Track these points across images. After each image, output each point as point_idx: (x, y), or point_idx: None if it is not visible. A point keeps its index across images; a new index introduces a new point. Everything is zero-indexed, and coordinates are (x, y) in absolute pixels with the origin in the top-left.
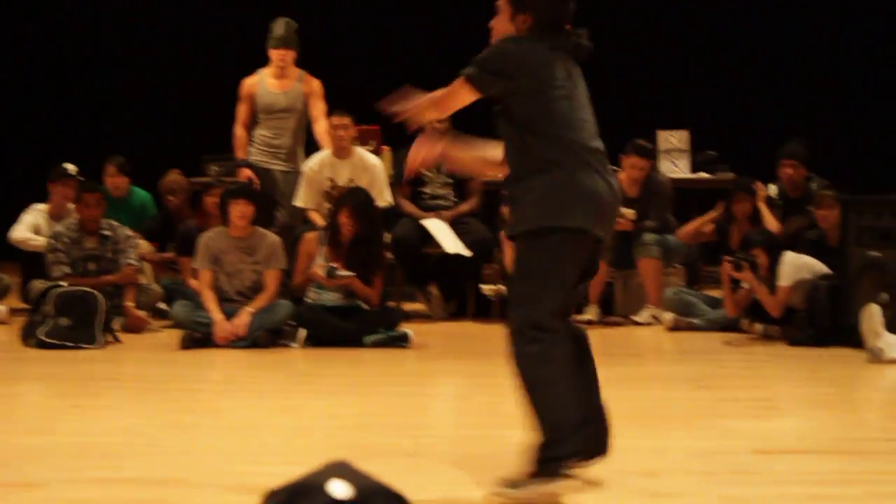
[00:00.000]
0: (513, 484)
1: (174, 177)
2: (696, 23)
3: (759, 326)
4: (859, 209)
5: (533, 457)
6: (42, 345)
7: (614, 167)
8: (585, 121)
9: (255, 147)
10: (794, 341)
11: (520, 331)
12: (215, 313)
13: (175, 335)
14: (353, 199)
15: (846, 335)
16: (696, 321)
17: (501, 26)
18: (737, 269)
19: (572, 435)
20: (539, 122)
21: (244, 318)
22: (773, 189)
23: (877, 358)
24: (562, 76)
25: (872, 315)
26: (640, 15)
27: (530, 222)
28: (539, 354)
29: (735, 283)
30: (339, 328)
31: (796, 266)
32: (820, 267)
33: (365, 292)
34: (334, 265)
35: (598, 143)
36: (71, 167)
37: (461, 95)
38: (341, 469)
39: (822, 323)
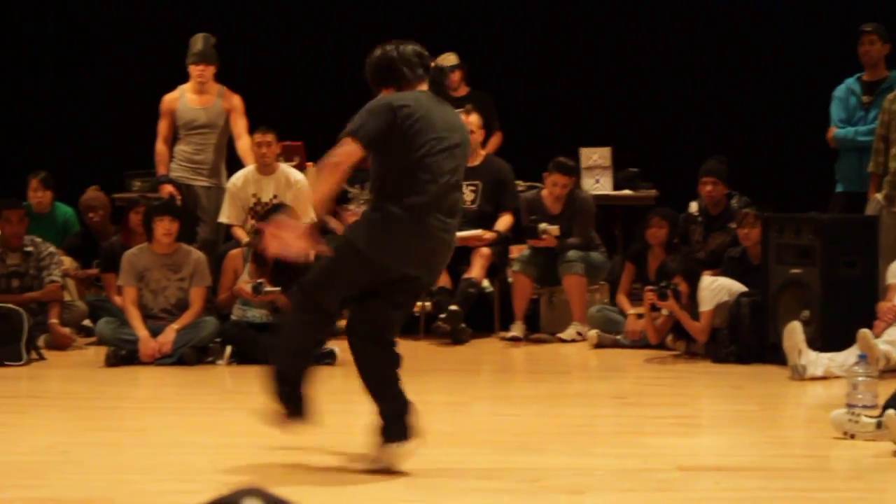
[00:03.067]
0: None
1: (93, 193)
2: (619, 40)
3: (682, 343)
4: (780, 227)
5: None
6: None
7: (536, 184)
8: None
9: (176, 163)
10: (718, 358)
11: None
12: (140, 330)
13: (100, 352)
14: (278, 215)
15: (769, 352)
16: (620, 338)
17: None
18: (661, 299)
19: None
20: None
21: (169, 335)
22: (693, 206)
23: (799, 375)
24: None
25: (794, 332)
26: (563, 33)
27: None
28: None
29: (655, 311)
30: (265, 345)
31: (714, 290)
32: (738, 286)
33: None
34: (261, 281)
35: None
36: None
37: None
38: (254, 492)
39: (745, 340)
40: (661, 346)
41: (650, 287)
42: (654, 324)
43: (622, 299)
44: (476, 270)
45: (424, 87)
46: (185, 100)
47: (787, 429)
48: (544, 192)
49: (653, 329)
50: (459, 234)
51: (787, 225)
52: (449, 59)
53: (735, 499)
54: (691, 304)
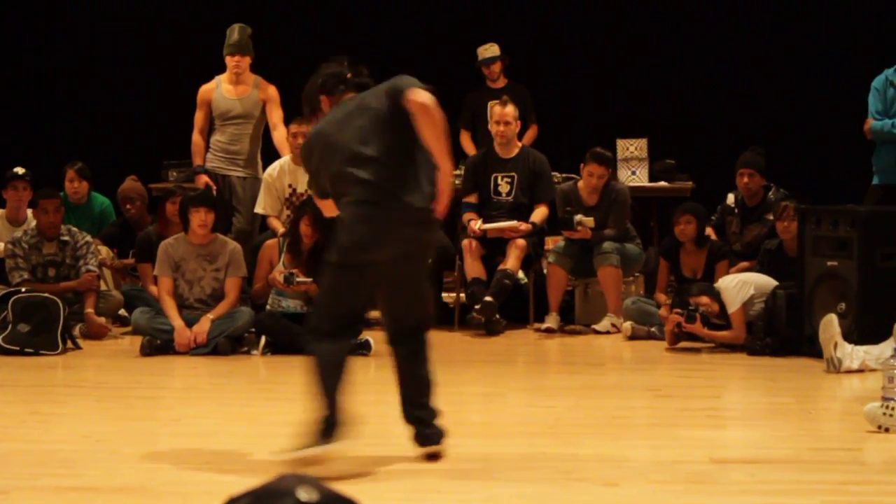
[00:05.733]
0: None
1: (130, 184)
2: (655, 32)
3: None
4: (816, 219)
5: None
6: (1, 351)
7: (573, 176)
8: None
9: (212, 153)
10: (753, 351)
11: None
12: (175, 320)
13: (135, 342)
14: (313, 206)
15: (804, 345)
16: (654, 330)
17: None
18: (689, 321)
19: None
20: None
21: (204, 325)
22: (730, 197)
23: (834, 368)
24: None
25: (830, 325)
26: (599, 25)
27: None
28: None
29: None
30: (300, 336)
31: (736, 288)
32: (764, 280)
33: None
34: (293, 271)
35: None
36: (19, 169)
37: None
38: (301, 478)
39: (781, 333)
40: (697, 338)
41: (678, 310)
42: (672, 331)
43: (660, 297)
44: (511, 262)
45: (351, 95)
46: (221, 90)
47: (821, 422)
48: (580, 184)
49: (672, 336)
50: (495, 224)
51: (824, 217)
52: (490, 49)
53: (768, 491)
54: (724, 313)
